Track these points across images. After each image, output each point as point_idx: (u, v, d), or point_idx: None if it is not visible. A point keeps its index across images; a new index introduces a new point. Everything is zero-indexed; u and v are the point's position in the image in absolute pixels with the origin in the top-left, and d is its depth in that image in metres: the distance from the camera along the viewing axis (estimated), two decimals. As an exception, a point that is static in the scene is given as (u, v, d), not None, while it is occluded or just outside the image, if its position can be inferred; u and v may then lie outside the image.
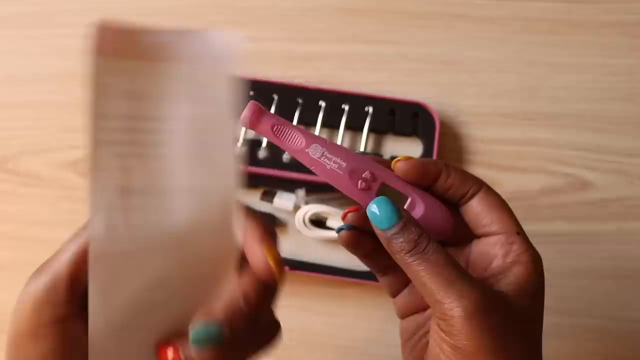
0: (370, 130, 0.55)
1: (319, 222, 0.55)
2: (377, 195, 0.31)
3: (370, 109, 0.55)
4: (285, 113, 0.55)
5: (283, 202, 0.55)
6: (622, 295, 0.53)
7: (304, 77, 0.57)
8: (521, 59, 0.58)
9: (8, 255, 0.56)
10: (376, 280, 0.53)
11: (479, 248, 0.32)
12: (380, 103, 0.55)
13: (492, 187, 0.32)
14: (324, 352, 0.54)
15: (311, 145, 0.32)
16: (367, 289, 0.54)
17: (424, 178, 0.32)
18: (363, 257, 0.33)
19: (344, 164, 0.32)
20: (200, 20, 0.59)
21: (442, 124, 0.56)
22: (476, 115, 0.57)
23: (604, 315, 0.53)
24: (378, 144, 0.56)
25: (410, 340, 0.35)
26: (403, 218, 0.29)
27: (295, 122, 0.55)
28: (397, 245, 0.29)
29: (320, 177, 0.32)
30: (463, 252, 0.33)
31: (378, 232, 0.29)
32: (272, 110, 0.55)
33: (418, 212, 0.32)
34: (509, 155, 0.56)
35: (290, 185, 0.55)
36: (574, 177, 0.56)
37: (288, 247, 0.56)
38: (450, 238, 0.33)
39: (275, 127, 0.32)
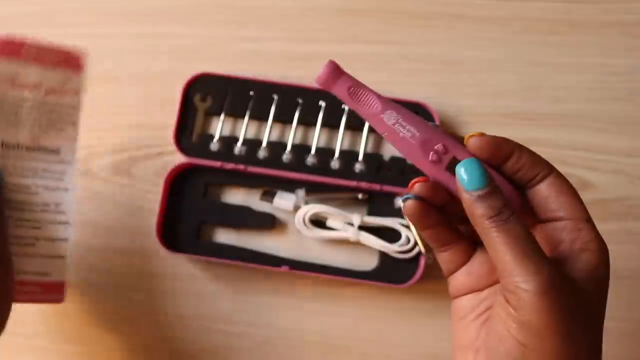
0: (370, 130, 0.55)
1: (319, 222, 0.55)
2: (446, 169, 0.31)
3: (370, 109, 0.55)
4: (285, 113, 0.56)
5: (283, 202, 0.55)
6: (622, 295, 0.53)
7: (304, 77, 0.57)
8: (521, 59, 0.58)
9: None
10: (376, 280, 0.53)
11: (544, 232, 0.32)
12: (380, 103, 0.55)
13: None
14: (324, 352, 0.54)
15: (386, 111, 0.32)
16: (367, 289, 0.54)
17: (496, 156, 0.31)
18: (426, 229, 0.33)
19: (417, 134, 0.31)
20: (200, 20, 0.59)
21: (442, 124, 0.56)
22: (476, 115, 0.57)
23: (604, 315, 0.53)
24: (378, 144, 0.56)
25: (463, 319, 0.34)
26: (491, 183, 0.29)
27: (295, 122, 0.55)
28: (481, 208, 0.29)
29: (391, 145, 0.32)
30: None
31: (463, 194, 0.29)
32: (272, 110, 0.56)
33: None
34: (509, 155, 0.56)
35: (290, 185, 0.55)
36: (574, 177, 0.56)
37: (288, 247, 0.56)
38: None
39: (352, 89, 0.32)
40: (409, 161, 0.32)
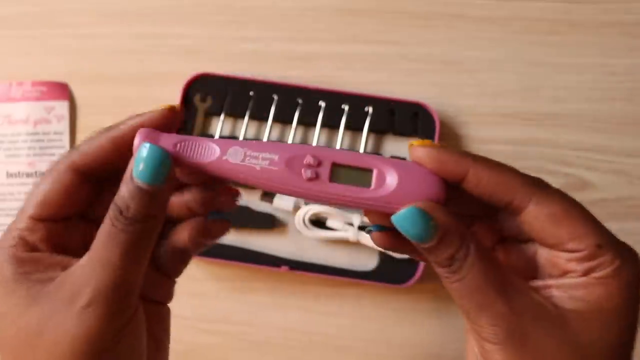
0: (370, 130, 0.55)
1: (319, 222, 0.55)
2: (331, 180, 0.26)
3: (370, 109, 0.55)
4: (285, 113, 0.55)
5: (283, 202, 0.55)
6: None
7: (304, 77, 0.57)
8: (521, 59, 0.58)
9: None
10: (376, 280, 0.53)
11: (547, 254, 0.27)
12: (380, 103, 0.55)
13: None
14: (324, 352, 0.54)
15: (228, 150, 0.26)
16: (367, 289, 0.54)
17: (443, 174, 0.26)
18: (404, 252, 0.28)
19: (275, 157, 0.26)
20: (200, 20, 0.59)
21: (442, 124, 0.56)
22: (476, 115, 0.57)
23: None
24: (378, 144, 0.56)
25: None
26: (439, 232, 0.24)
27: (295, 122, 0.55)
28: (430, 257, 0.25)
29: (255, 185, 0.26)
30: (521, 248, 0.28)
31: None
32: (272, 110, 0.55)
33: (391, 183, 0.26)
34: (508, 155, 0.56)
35: (290, 185, 0.55)
36: (573, 177, 0.56)
37: (288, 247, 0.55)
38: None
39: (179, 146, 0.26)
40: (287, 196, 0.26)
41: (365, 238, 0.53)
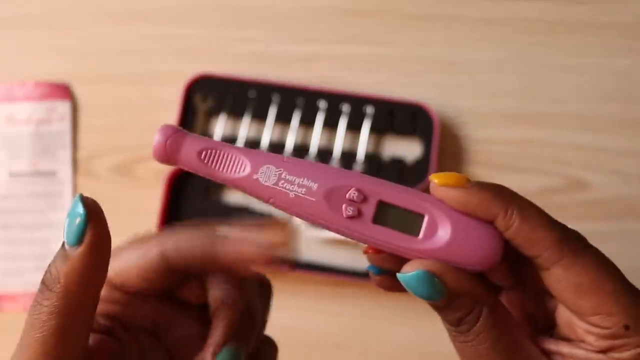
0: (369, 130, 0.55)
1: (319, 222, 0.55)
2: (375, 222, 0.23)
3: (370, 110, 0.55)
4: (285, 113, 0.56)
5: (283, 202, 0.55)
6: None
7: (304, 78, 0.57)
8: (520, 60, 0.58)
9: None
10: (376, 280, 0.53)
11: (567, 315, 0.24)
12: (379, 103, 0.55)
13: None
14: (324, 352, 0.55)
15: (260, 169, 0.23)
16: (367, 289, 0.55)
17: (471, 213, 0.23)
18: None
19: (314, 185, 0.22)
20: (200, 20, 0.59)
21: (442, 124, 0.56)
22: (476, 116, 0.57)
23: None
24: (378, 145, 0.56)
25: None
26: (446, 294, 0.22)
27: (295, 122, 0.55)
28: (440, 314, 0.23)
29: (285, 211, 0.23)
30: (543, 299, 0.25)
31: None
32: (272, 110, 0.56)
33: (442, 236, 0.22)
34: (508, 156, 0.56)
35: (290, 186, 0.55)
36: (573, 177, 0.56)
37: (288, 247, 0.56)
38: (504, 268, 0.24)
39: (205, 153, 0.23)
40: (319, 228, 0.23)
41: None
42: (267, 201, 0.23)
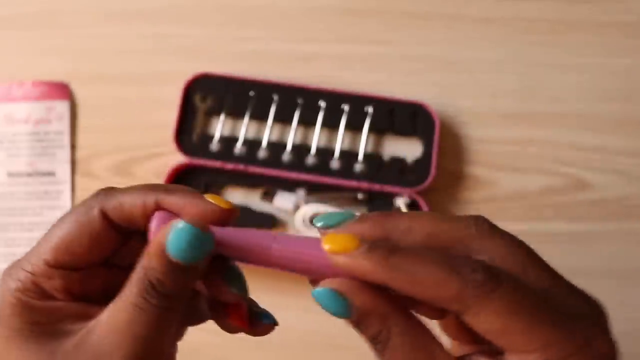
0: (370, 130, 0.55)
1: (318, 222, 0.55)
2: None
3: (370, 109, 0.55)
4: (285, 113, 0.56)
5: (283, 202, 0.55)
6: (622, 295, 0.53)
7: (304, 77, 0.57)
8: (521, 59, 0.58)
9: None
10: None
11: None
12: (380, 103, 0.55)
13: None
14: (324, 352, 0.55)
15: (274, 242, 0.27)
16: (366, 288, 0.54)
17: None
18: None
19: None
20: (200, 20, 0.59)
21: (442, 124, 0.56)
22: (476, 115, 0.57)
23: (603, 315, 0.53)
24: (378, 144, 0.56)
25: None
26: (353, 313, 0.23)
27: (295, 122, 0.55)
28: (356, 331, 0.24)
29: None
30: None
31: None
32: (272, 110, 0.56)
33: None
34: (508, 155, 0.56)
35: (290, 185, 0.55)
36: (573, 177, 0.56)
37: (288, 247, 0.56)
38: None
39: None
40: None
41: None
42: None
